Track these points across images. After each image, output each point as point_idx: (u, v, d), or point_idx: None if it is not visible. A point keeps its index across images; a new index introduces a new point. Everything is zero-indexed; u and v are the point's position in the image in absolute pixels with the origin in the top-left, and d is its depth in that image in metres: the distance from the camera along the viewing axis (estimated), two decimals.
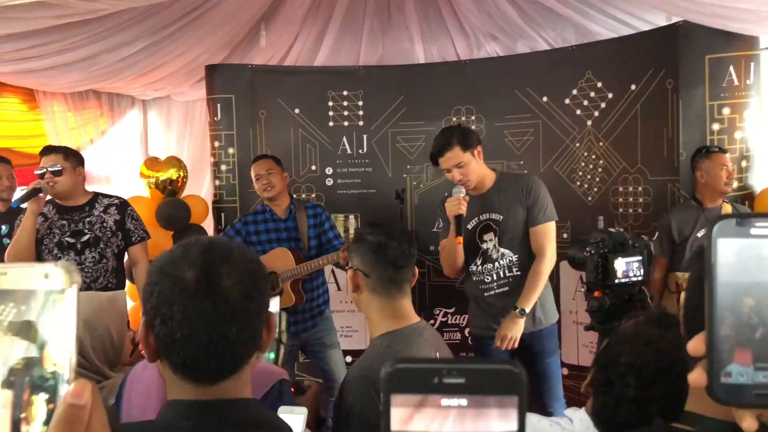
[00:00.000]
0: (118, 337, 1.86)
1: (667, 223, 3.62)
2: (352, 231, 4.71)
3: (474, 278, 3.09)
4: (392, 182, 4.61)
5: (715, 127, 3.63)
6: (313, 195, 4.71)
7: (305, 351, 3.90)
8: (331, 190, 4.73)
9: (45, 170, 3.33)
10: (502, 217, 2.98)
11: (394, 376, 0.47)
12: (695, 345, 0.56)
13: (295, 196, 4.28)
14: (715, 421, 0.91)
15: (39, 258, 3.39)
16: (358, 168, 4.72)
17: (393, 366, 0.47)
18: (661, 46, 3.81)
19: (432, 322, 4.52)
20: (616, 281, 1.75)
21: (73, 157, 3.48)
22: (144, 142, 5.91)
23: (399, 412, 0.47)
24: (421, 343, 1.78)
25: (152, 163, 5.14)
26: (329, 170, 4.72)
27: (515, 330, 2.87)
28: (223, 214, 4.63)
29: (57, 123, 5.01)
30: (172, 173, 5.02)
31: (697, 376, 0.56)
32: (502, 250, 3.00)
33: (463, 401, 0.46)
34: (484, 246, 3.03)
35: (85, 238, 3.45)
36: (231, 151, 4.61)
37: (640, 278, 1.76)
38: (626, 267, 1.75)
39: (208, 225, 5.01)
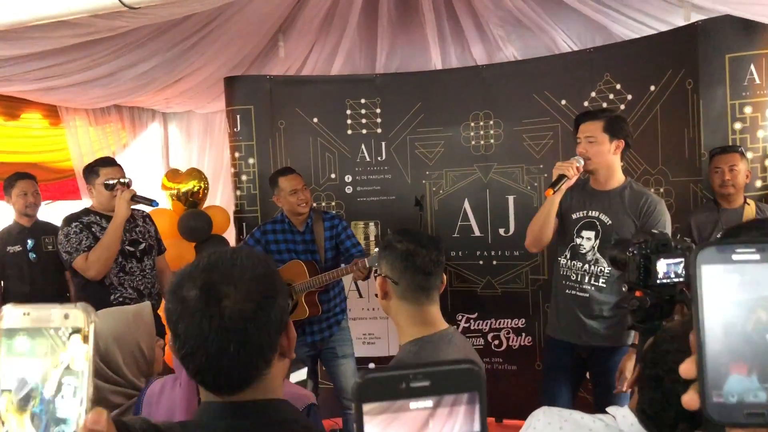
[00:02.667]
0: (148, 349, 1.88)
1: (687, 225, 3.61)
2: (372, 238, 4.73)
3: (561, 271, 3.04)
4: (411, 188, 4.63)
5: (737, 126, 3.60)
6: (333, 203, 4.74)
7: (321, 359, 3.93)
8: (351, 198, 4.75)
9: (117, 181, 3.48)
10: (610, 222, 2.90)
11: (364, 386, 0.50)
12: (687, 368, 0.60)
13: (314, 205, 4.31)
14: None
15: None
16: (377, 175, 4.74)
17: (363, 377, 0.50)
18: (680, 47, 3.79)
19: (454, 327, 4.50)
20: (658, 282, 1.75)
21: (124, 172, 3.64)
22: (165, 154, 5.98)
23: (372, 420, 0.50)
24: (450, 350, 1.79)
25: (173, 175, 5.20)
26: (348, 178, 4.75)
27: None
28: (244, 224, 4.66)
29: (79, 137, 5.09)
30: (193, 185, 5.08)
31: (689, 398, 0.59)
32: (598, 255, 2.91)
33: (429, 402, 0.50)
34: (578, 241, 2.96)
35: (142, 246, 3.64)
36: (251, 161, 4.65)
37: (681, 279, 1.76)
38: (667, 268, 1.74)
39: (230, 235, 5.05)
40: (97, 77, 4.13)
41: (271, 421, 1.06)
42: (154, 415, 1.51)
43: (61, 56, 3.64)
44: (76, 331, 0.55)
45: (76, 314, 0.55)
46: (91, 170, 3.56)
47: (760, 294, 0.57)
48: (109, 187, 3.46)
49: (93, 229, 3.45)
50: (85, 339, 0.55)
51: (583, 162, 2.86)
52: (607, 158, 2.89)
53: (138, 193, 3.49)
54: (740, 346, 0.57)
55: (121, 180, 3.50)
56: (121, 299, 3.47)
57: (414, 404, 0.50)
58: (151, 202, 3.52)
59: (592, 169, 2.92)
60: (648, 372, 1.29)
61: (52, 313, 0.55)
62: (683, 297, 1.77)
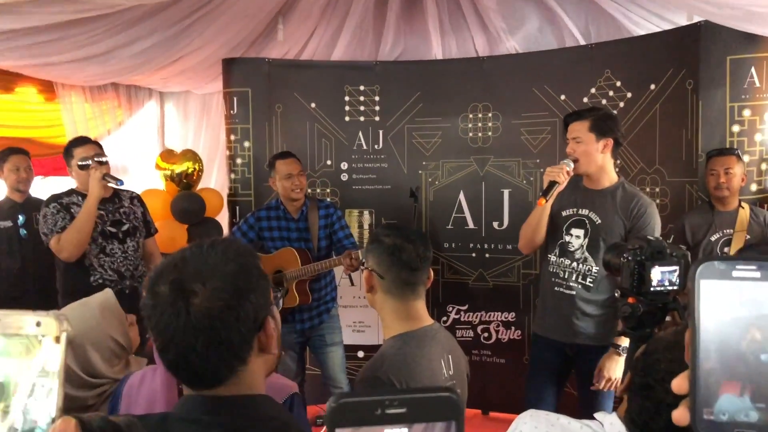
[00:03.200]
0: (122, 337, 1.86)
1: (680, 226, 3.60)
2: (366, 227, 4.71)
3: (550, 268, 3.03)
4: (408, 178, 4.60)
5: (735, 128, 3.59)
6: (328, 190, 4.71)
7: (310, 346, 3.93)
8: (347, 186, 4.72)
9: (90, 160, 3.40)
10: (600, 221, 2.87)
11: (338, 411, 0.49)
12: (679, 383, 0.59)
13: (310, 191, 4.28)
14: None
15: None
16: (373, 163, 4.71)
17: (337, 401, 0.49)
18: (681, 46, 3.76)
19: (444, 319, 4.52)
20: (651, 289, 1.72)
21: (102, 150, 3.58)
22: (161, 134, 5.94)
23: None
24: (433, 345, 1.80)
25: (168, 155, 5.16)
26: (344, 165, 4.72)
27: (617, 369, 2.71)
28: (237, 208, 4.64)
29: (74, 113, 5.04)
30: (187, 166, 5.04)
31: (680, 414, 0.59)
32: (587, 254, 2.90)
33: (405, 430, 0.49)
34: (567, 239, 2.94)
35: (125, 227, 3.58)
36: (246, 144, 4.62)
37: (675, 287, 1.73)
38: (662, 276, 1.71)
39: (223, 218, 5.02)
40: (93, 55, 4.07)
41: (249, 417, 1.06)
42: (133, 405, 1.50)
43: (56, 32, 3.59)
44: (49, 338, 0.53)
45: (49, 322, 0.53)
46: (66, 152, 3.51)
47: (757, 312, 0.56)
48: (83, 167, 3.41)
49: (72, 210, 3.41)
50: (57, 340, 0.53)
51: (572, 165, 2.84)
52: (595, 158, 2.87)
53: (109, 173, 3.43)
54: (734, 365, 0.57)
55: (96, 158, 3.42)
56: (101, 281, 3.43)
57: (388, 431, 0.49)
58: (117, 182, 3.44)
59: (583, 172, 2.91)
60: (638, 380, 1.27)
61: (24, 320, 0.53)
62: (676, 305, 1.75)
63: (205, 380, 1.05)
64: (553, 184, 2.80)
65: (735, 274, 0.57)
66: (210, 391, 1.05)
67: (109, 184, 3.43)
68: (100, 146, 3.57)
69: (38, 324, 0.53)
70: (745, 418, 0.56)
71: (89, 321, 1.79)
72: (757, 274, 0.57)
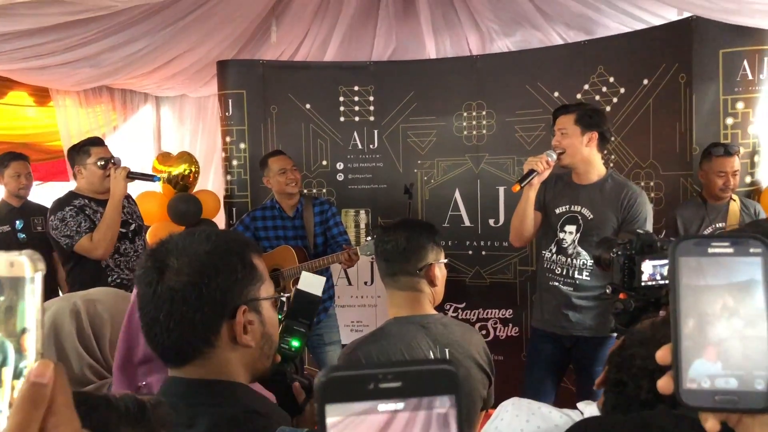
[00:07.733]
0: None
1: (672, 220, 3.60)
2: (363, 226, 4.72)
3: (545, 264, 3.05)
4: (403, 177, 4.60)
5: (729, 121, 3.60)
6: (324, 190, 4.72)
7: (308, 345, 3.92)
8: (342, 185, 4.73)
9: (108, 160, 3.43)
10: (592, 216, 2.89)
11: (328, 386, 0.46)
12: (662, 354, 0.62)
13: (305, 191, 4.30)
14: None
15: None
16: (369, 163, 4.72)
17: (327, 375, 0.46)
18: (674, 41, 3.78)
19: (438, 315, 4.51)
20: (642, 284, 1.66)
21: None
22: (157, 138, 5.94)
23: (336, 421, 0.46)
24: (418, 332, 1.85)
25: (164, 158, 5.16)
26: (340, 165, 4.73)
27: None
28: (234, 209, 4.64)
29: (68, 117, 5.04)
30: (184, 168, 5.04)
31: (664, 383, 0.61)
32: (579, 249, 2.92)
33: (400, 405, 0.46)
34: (561, 236, 2.97)
35: (132, 227, 3.60)
36: (242, 146, 4.62)
37: (667, 281, 1.68)
38: (653, 270, 1.65)
39: (220, 220, 5.03)
40: (85, 56, 4.07)
41: (229, 403, 1.07)
42: None
43: (48, 35, 3.59)
44: (23, 280, 0.51)
45: (22, 262, 0.51)
46: (79, 150, 3.47)
47: (728, 281, 0.59)
48: (103, 166, 3.39)
49: (87, 212, 3.38)
50: (32, 281, 0.50)
51: (555, 156, 2.87)
52: (581, 151, 2.90)
53: (133, 170, 3.42)
54: (711, 334, 0.59)
55: (112, 160, 3.46)
56: (118, 280, 3.43)
57: (383, 406, 0.46)
58: (152, 178, 3.49)
59: (568, 163, 2.94)
60: (613, 376, 1.27)
61: None
62: (668, 299, 1.69)
63: (169, 355, 1.09)
64: (531, 172, 2.82)
65: (711, 250, 0.60)
66: (180, 371, 1.09)
67: (140, 181, 3.52)
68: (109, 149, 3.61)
69: (12, 264, 0.52)
70: (725, 385, 0.58)
71: (119, 300, 1.79)
72: (731, 250, 0.60)
